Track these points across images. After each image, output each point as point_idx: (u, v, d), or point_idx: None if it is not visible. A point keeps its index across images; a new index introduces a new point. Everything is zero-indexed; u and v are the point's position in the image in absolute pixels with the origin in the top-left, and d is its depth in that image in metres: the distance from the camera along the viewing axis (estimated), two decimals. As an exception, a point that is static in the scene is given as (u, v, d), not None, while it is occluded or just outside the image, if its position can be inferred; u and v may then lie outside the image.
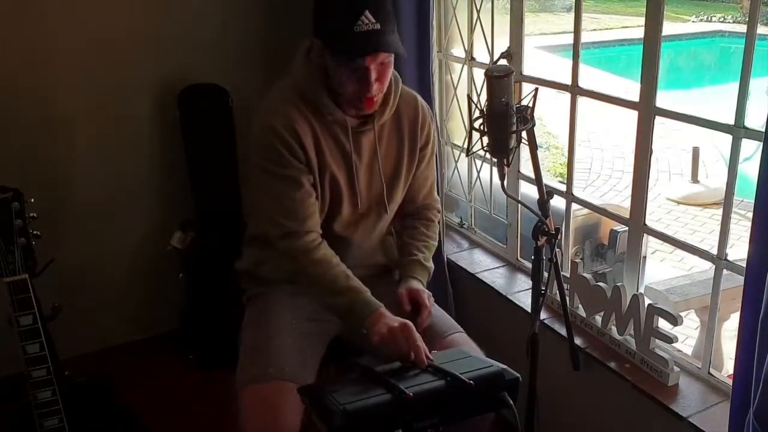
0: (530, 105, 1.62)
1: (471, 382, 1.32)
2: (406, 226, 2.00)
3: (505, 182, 1.64)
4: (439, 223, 2.05)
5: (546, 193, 1.75)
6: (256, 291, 1.93)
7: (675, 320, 1.82)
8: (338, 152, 1.78)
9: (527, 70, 2.29)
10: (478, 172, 2.65)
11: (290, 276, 1.82)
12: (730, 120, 1.66)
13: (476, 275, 2.49)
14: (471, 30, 2.52)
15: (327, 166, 1.76)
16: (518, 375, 1.39)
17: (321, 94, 1.72)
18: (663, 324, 1.86)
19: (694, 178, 6.07)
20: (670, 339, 1.84)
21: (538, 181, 1.76)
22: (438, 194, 2.09)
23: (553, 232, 1.70)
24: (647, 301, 1.90)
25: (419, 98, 1.91)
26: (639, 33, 1.87)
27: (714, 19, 12.51)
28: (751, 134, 1.63)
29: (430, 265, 1.94)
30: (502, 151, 1.59)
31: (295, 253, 1.73)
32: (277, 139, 1.69)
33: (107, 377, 2.08)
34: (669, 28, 8.94)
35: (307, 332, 1.81)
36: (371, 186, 1.85)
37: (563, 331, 2.01)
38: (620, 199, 5.64)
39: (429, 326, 1.79)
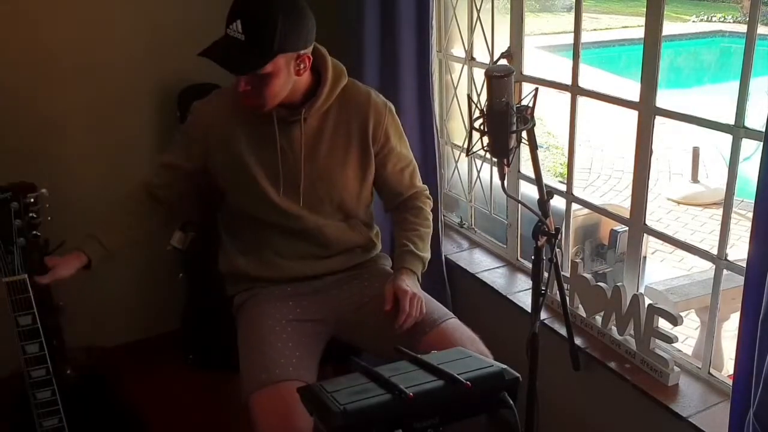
0: (530, 105, 1.62)
1: (468, 382, 1.32)
2: (395, 219, 2.01)
3: (505, 182, 1.64)
4: (431, 210, 2.02)
5: (546, 193, 1.75)
6: (243, 297, 1.94)
7: (675, 320, 1.82)
8: (263, 140, 1.80)
9: (527, 70, 2.29)
10: (478, 172, 2.65)
11: (272, 273, 1.88)
12: (730, 120, 1.67)
13: (476, 275, 2.49)
14: (471, 30, 2.51)
15: (239, 153, 1.80)
16: (518, 375, 1.38)
17: None
18: (663, 324, 1.86)
19: (694, 178, 6.07)
20: (670, 339, 1.84)
21: (538, 181, 1.76)
22: (433, 188, 2.08)
23: (553, 232, 1.70)
24: (647, 301, 1.90)
25: (372, 94, 1.88)
26: (639, 33, 1.87)
27: (714, 19, 12.51)
28: (751, 134, 1.63)
29: (423, 253, 1.92)
30: (502, 151, 1.59)
31: (131, 188, 1.99)
32: (191, 115, 1.88)
33: (107, 377, 2.08)
34: (669, 28, 8.96)
35: (303, 333, 1.81)
36: (311, 177, 1.82)
37: (563, 331, 2.01)
38: (620, 199, 5.64)
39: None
